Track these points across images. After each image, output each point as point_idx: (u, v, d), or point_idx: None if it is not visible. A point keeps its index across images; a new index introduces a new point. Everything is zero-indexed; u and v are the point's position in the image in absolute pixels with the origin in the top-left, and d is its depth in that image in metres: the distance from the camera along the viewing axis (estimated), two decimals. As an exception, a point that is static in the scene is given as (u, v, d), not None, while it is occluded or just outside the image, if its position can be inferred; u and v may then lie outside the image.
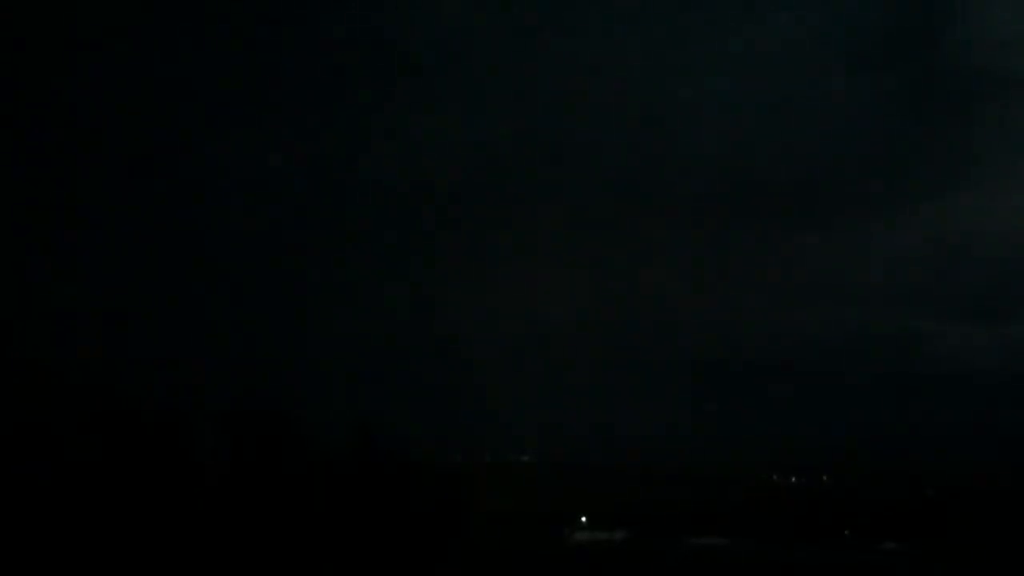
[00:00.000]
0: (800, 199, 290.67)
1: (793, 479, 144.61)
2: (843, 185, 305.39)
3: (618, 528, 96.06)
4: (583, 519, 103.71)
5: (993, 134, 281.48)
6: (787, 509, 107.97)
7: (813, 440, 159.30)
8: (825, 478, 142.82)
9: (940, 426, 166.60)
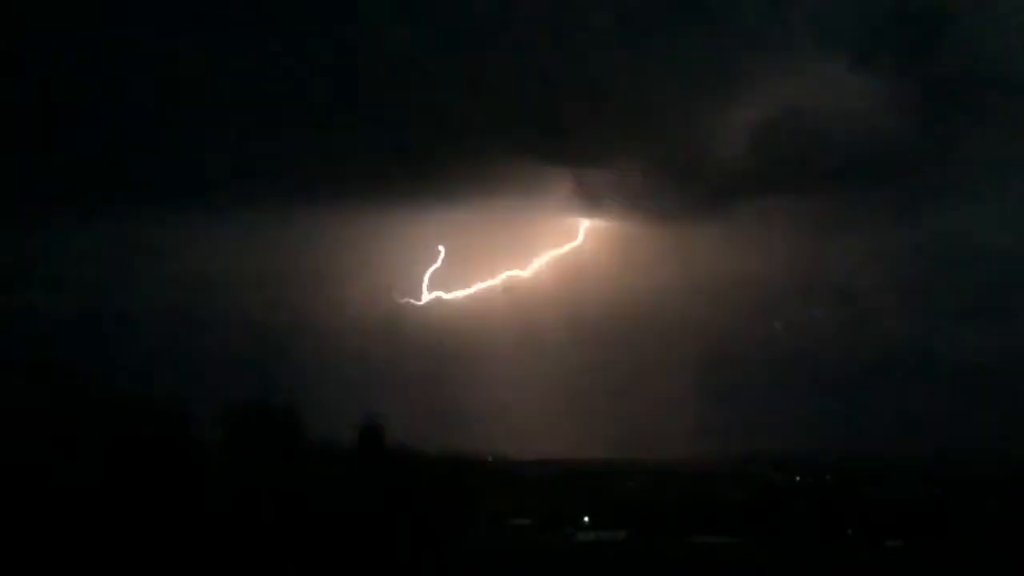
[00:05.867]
0: (800, 199, 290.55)
1: (797, 478, 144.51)
2: (844, 185, 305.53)
3: (621, 527, 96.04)
4: (586, 519, 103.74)
5: (994, 133, 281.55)
6: (790, 507, 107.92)
7: (815, 439, 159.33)
8: (828, 477, 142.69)
9: (942, 424, 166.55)
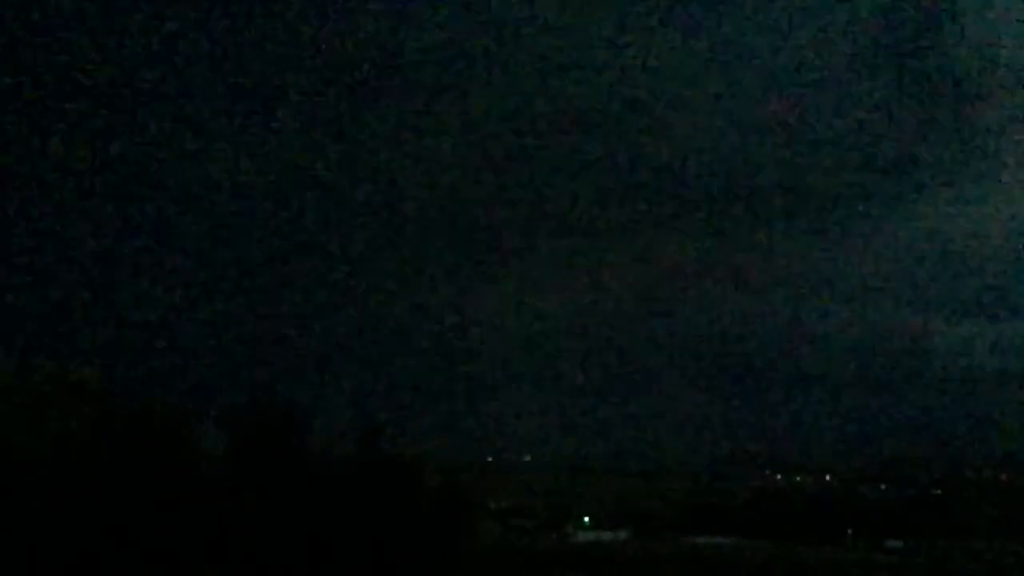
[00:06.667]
0: (800, 199, 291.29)
1: (797, 478, 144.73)
2: (843, 185, 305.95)
3: (621, 527, 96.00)
4: (586, 519, 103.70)
5: (994, 133, 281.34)
6: (790, 508, 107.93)
7: (816, 439, 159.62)
8: (828, 477, 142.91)
9: (941, 424, 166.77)
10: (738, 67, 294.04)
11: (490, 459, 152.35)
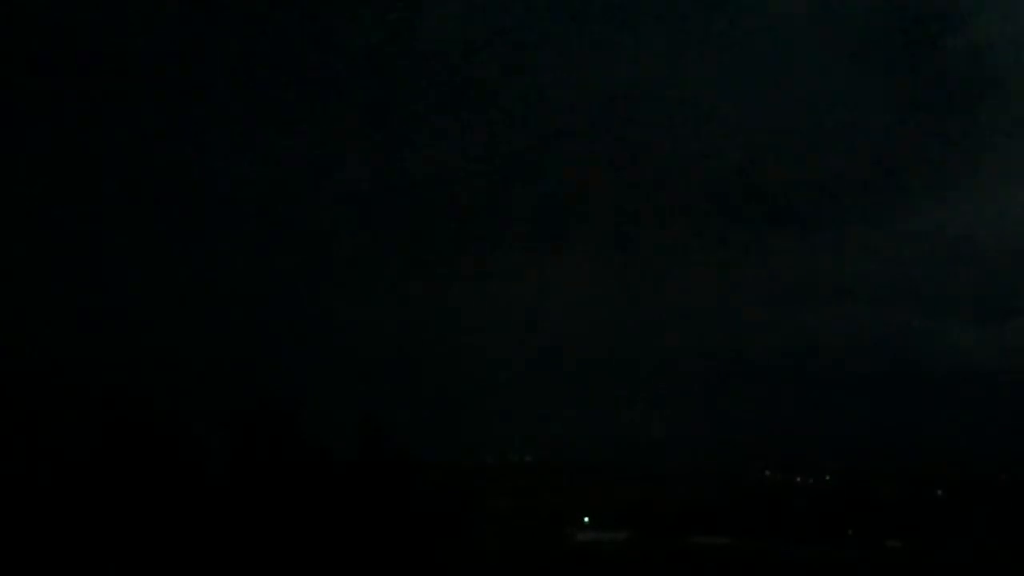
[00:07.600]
0: (801, 199, 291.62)
1: (797, 478, 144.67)
2: (844, 185, 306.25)
3: (621, 528, 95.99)
4: (586, 519, 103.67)
5: (994, 133, 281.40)
6: (790, 508, 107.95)
7: (816, 439, 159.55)
8: (828, 477, 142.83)
9: (941, 425, 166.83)
10: (738, 66, 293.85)
11: (492, 459, 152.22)
